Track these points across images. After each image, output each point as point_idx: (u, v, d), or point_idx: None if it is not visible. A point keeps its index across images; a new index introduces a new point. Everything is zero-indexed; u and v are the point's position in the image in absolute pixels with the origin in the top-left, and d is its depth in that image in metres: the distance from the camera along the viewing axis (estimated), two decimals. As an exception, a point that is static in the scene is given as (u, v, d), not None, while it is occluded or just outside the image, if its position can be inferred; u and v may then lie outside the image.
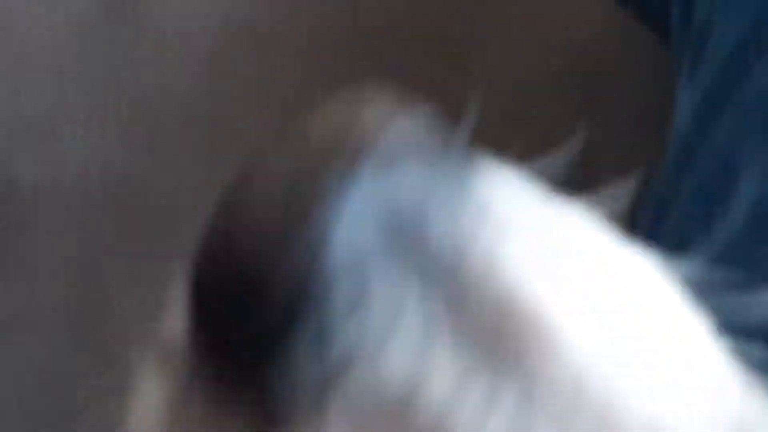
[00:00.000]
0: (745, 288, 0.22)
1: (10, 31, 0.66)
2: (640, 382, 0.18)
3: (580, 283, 0.18)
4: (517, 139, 0.29)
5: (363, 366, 0.16)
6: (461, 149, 0.18)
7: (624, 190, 0.20)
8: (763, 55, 0.49)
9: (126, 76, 0.66)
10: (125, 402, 0.19)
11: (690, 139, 0.50)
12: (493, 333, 0.17)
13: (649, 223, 0.50)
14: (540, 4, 0.64)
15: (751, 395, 0.20)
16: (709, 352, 0.19)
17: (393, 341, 0.16)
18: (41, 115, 0.66)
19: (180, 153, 0.65)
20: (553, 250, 0.18)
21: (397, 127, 0.17)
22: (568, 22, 0.62)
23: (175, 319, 0.18)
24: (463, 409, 0.16)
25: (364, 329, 0.16)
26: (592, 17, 0.63)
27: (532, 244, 0.18)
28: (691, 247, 0.36)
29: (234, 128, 0.65)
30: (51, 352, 0.65)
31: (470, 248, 0.17)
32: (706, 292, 0.20)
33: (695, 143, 0.50)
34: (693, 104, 0.51)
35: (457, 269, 0.17)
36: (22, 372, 0.65)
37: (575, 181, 0.20)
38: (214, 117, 0.65)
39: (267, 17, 0.65)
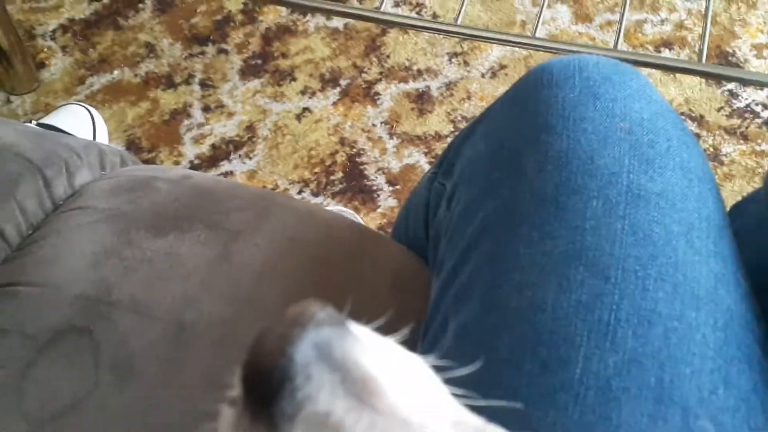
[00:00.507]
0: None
1: None
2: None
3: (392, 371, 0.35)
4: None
5: (309, 407, 0.33)
6: (345, 320, 0.35)
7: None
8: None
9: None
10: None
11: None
12: (362, 391, 0.33)
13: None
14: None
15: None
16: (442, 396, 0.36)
17: (320, 396, 0.33)
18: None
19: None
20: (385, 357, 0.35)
21: (321, 313, 0.34)
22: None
23: (235, 391, 0.34)
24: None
25: (309, 387, 0.33)
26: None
27: (375, 352, 0.34)
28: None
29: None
30: None
31: (349, 356, 0.34)
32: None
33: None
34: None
35: (345, 367, 0.33)
36: None
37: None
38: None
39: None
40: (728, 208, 0.76)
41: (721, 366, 0.61)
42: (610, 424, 0.59)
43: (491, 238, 0.70)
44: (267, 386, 0.35)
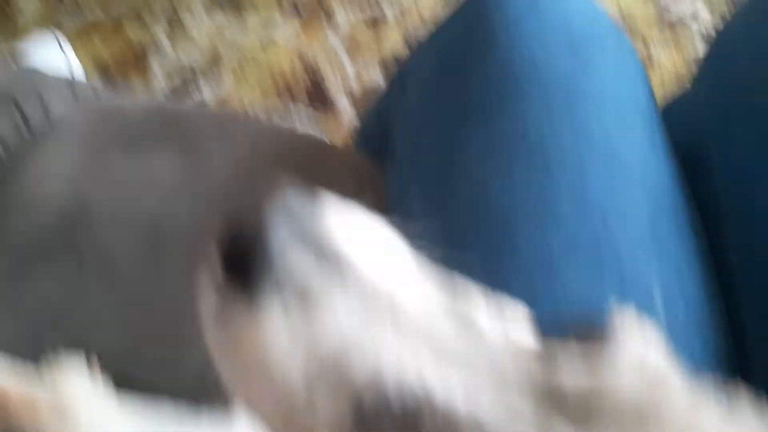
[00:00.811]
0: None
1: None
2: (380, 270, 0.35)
3: (363, 245, 0.37)
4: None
5: (287, 285, 0.34)
6: (317, 199, 0.36)
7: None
8: None
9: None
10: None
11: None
12: (331, 259, 0.35)
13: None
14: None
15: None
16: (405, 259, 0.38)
17: (296, 273, 0.34)
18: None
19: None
20: (356, 234, 0.37)
21: (293, 193, 0.36)
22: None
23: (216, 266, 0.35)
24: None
25: (285, 270, 0.34)
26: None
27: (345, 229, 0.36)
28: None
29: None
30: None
31: (321, 234, 0.36)
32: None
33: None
34: None
35: (318, 246, 0.35)
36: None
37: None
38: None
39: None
40: (660, 109, 0.79)
41: (655, 242, 0.65)
42: (554, 298, 0.62)
43: (442, 134, 0.73)
44: (246, 267, 0.36)
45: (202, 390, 0.44)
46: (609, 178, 0.65)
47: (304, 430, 0.37)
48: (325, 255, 0.37)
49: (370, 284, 0.37)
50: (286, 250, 0.36)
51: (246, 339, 0.36)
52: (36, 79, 1.01)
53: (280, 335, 0.35)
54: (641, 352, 0.37)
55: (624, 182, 0.66)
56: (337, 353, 0.35)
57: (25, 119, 0.96)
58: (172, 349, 0.79)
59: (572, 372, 0.35)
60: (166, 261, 0.82)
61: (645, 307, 0.63)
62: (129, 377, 0.80)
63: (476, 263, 0.58)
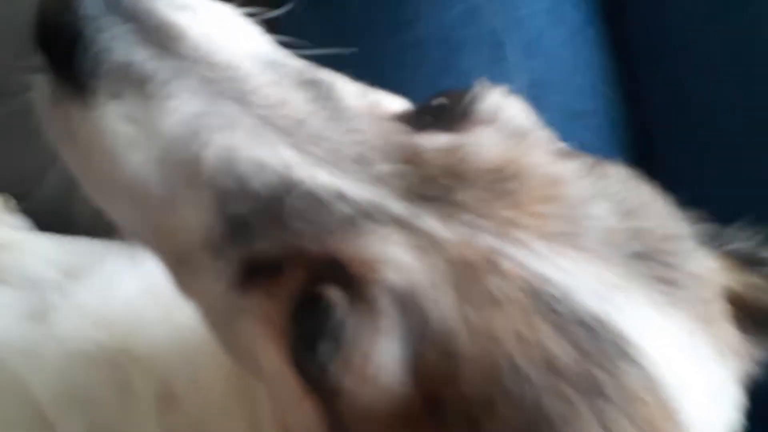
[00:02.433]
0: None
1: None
2: None
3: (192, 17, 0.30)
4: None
5: (107, 60, 0.29)
6: None
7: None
8: None
9: None
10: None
11: None
12: (161, 37, 0.29)
13: None
14: None
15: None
16: None
17: (115, 47, 0.29)
18: None
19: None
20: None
21: None
22: None
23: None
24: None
25: (102, 40, 0.29)
26: None
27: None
28: None
29: None
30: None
31: (140, 4, 0.29)
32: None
33: None
34: None
35: (138, 16, 0.29)
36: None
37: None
38: None
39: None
40: None
41: (552, 6, 0.57)
42: (454, 72, 0.58)
43: None
44: (62, 46, 0.29)
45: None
46: None
47: (173, 232, 0.31)
48: (149, 27, 0.29)
49: (207, 55, 0.29)
50: (101, 24, 0.29)
51: (82, 130, 0.30)
52: None
53: (115, 120, 0.29)
54: (500, 106, 0.33)
55: None
56: (183, 136, 0.29)
57: None
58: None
59: (433, 134, 0.31)
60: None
61: (544, 72, 0.57)
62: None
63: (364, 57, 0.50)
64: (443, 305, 0.27)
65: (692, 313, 0.30)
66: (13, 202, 0.66)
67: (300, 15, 0.58)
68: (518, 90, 0.32)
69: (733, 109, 0.54)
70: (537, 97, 0.34)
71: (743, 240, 0.37)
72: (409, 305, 0.27)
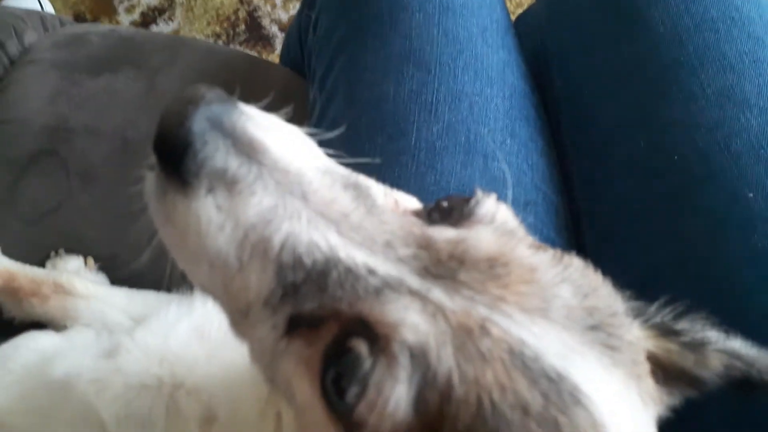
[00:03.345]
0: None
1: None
2: None
3: (275, 135, 0.37)
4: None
5: (209, 165, 0.35)
6: (233, 98, 0.37)
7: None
8: None
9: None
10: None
11: None
12: (250, 150, 0.35)
13: None
14: None
15: None
16: None
17: (216, 156, 0.35)
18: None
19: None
20: (269, 125, 0.37)
21: (210, 92, 0.35)
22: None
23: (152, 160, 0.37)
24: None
25: (206, 150, 0.35)
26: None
27: (260, 122, 0.37)
28: None
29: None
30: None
31: (237, 124, 0.36)
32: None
33: None
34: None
35: (235, 133, 0.35)
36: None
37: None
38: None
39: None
40: (514, 18, 0.76)
41: (508, 124, 0.69)
42: (436, 172, 0.65)
43: (347, 51, 0.75)
44: (174, 152, 0.34)
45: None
46: (474, 76, 0.64)
47: (240, 292, 0.36)
48: (242, 142, 0.35)
49: (282, 164, 0.35)
50: (207, 138, 0.34)
51: (181, 215, 0.35)
52: (8, 12, 0.91)
53: (209, 210, 0.34)
54: (495, 211, 0.38)
55: (485, 78, 0.64)
56: (259, 223, 0.34)
57: (3, 48, 0.87)
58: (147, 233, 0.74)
59: (442, 228, 0.36)
60: (133, 167, 0.76)
61: (499, 174, 0.67)
62: (115, 262, 0.76)
63: (378, 160, 0.58)
64: (445, 359, 0.30)
65: (627, 372, 0.34)
66: (93, 262, 0.75)
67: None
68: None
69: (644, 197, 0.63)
70: (499, 190, 0.40)
71: (662, 315, 0.41)
72: (419, 358, 0.30)
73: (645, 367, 0.36)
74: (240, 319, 0.36)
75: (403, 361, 0.30)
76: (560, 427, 0.30)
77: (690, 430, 0.44)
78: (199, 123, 0.33)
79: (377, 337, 0.31)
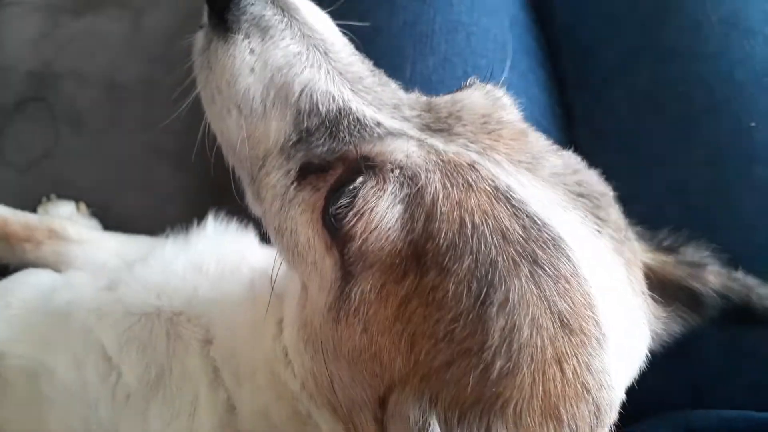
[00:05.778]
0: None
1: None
2: None
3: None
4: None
5: (248, 11, 0.39)
6: None
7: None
8: None
9: None
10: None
11: None
12: (285, 6, 0.39)
13: None
14: None
15: None
16: None
17: (256, 6, 0.39)
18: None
19: None
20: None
21: None
22: None
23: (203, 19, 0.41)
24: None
25: (247, 3, 0.39)
26: None
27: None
28: None
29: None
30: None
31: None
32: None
33: None
34: None
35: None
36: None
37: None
38: None
39: None
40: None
41: (506, 55, 0.63)
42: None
43: None
44: (222, 3, 0.39)
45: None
46: (471, 5, 0.64)
47: (261, 139, 0.39)
48: (281, 3, 0.39)
49: (311, 23, 0.40)
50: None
51: (220, 58, 0.39)
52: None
53: (243, 52, 0.38)
54: (487, 87, 0.40)
55: (483, 8, 0.64)
56: (284, 65, 0.38)
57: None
58: (138, 177, 0.74)
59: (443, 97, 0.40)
60: (123, 112, 0.84)
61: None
62: (106, 206, 0.78)
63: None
64: (434, 182, 0.33)
65: (614, 247, 0.35)
66: (85, 207, 0.75)
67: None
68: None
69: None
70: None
71: (665, 240, 0.43)
72: (408, 179, 0.33)
73: (637, 259, 0.37)
74: (258, 171, 0.40)
75: (391, 177, 0.34)
76: (539, 260, 0.31)
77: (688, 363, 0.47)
78: None
79: (374, 166, 0.34)
